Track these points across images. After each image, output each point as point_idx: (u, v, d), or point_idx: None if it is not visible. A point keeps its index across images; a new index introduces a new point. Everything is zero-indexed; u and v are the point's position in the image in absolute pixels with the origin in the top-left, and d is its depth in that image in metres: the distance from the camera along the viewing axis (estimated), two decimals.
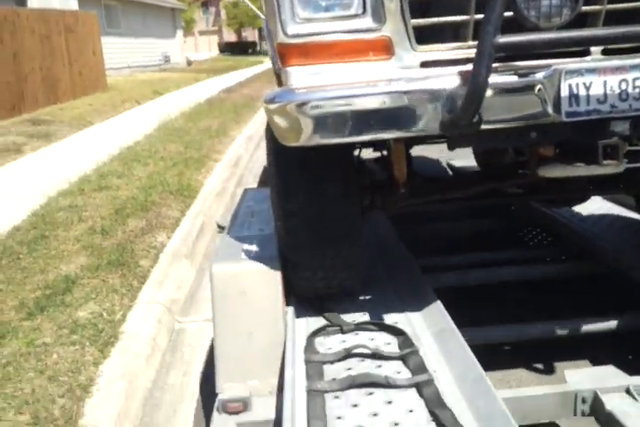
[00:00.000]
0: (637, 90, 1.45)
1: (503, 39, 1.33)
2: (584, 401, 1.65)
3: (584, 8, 1.41)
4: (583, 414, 1.67)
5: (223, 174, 5.54)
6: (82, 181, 5.05)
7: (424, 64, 1.56)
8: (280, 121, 1.52)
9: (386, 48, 1.55)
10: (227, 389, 1.78)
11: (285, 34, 1.53)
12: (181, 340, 2.83)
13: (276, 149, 1.81)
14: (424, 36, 1.54)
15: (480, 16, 1.41)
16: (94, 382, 2.24)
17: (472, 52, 1.41)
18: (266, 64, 24.54)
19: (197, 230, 3.99)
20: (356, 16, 1.51)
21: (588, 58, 1.49)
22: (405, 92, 1.47)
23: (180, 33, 24.52)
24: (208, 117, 8.74)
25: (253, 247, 2.04)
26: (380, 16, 1.51)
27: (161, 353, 2.64)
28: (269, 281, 1.87)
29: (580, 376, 1.70)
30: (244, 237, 2.16)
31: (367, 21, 1.52)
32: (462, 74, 1.48)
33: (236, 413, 1.69)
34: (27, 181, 5.34)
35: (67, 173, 5.24)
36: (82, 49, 11.49)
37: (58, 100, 10.15)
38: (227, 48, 43.26)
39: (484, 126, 1.47)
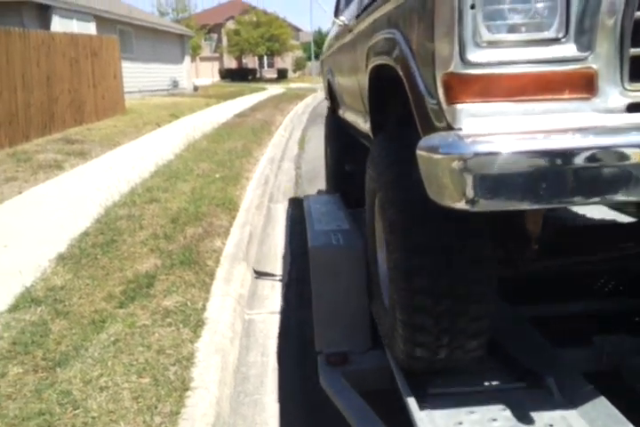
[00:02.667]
0: None
1: None
2: None
3: None
4: None
5: (257, 191, 5.98)
6: (131, 194, 5.48)
7: (632, 107, 1.24)
8: (444, 176, 1.20)
9: (589, 84, 1.22)
10: (325, 346, 2.20)
11: (464, 61, 1.21)
12: (253, 328, 3.23)
13: (409, 213, 1.53)
14: (637, 69, 1.21)
15: None
16: (194, 355, 2.63)
17: None
18: (268, 91, 25.31)
19: (247, 238, 4.41)
20: (555, 41, 1.20)
21: None
22: (628, 146, 1.16)
23: (187, 59, 25.27)
24: (230, 140, 9.23)
25: (339, 237, 2.47)
26: (587, 41, 1.19)
27: (239, 337, 3.04)
28: (356, 262, 2.30)
29: None
30: (327, 231, 2.59)
31: (569, 48, 1.20)
32: None
33: (339, 364, 2.10)
34: (78, 194, 5.75)
35: (113, 187, 5.67)
36: (105, 72, 12.04)
37: (83, 122, 10.63)
38: (227, 74, 44.15)
39: None
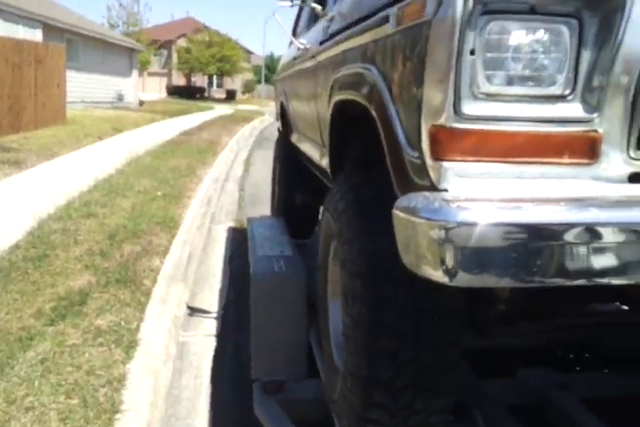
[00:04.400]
0: None
1: None
2: None
3: None
4: None
5: (200, 210, 5.95)
6: (68, 207, 5.33)
7: (634, 177, 1.13)
8: (423, 244, 1.05)
9: (592, 149, 1.10)
10: (262, 374, 2.22)
11: (457, 113, 1.07)
12: (187, 350, 3.19)
13: (377, 267, 1.38)
14: None
15: None
16: (126, 376, 2.58)
17: None
18: (216, 110, 25.24)
19: (187, 257, 4.37)
20: (560, 98, 1.09)
21: None
22: (629, 223, 1.04)
23: (135, 73, 24.92)
24: (175, 157, 9.15)
25: (282, 264, 2.51)
26: (595, 101, 1.08)
27: (172, 359, 3.00)
28: (297, 289, 2.34)
29: None
30: (270, 257, 2.63)
31: (575, 108, 1.09)
32: None
33: (274, 392, 2.12)
34: (10, 205, 5.54)
35: (49, 200, 5.50)
36: (48, 81, 11.73)
37: (21, 129, 10.29)
38: (175, 91, 43.72)
39: None
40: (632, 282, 1.06)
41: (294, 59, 3.28)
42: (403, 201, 1.15)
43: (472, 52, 1.04)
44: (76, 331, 2.95)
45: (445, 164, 1.09)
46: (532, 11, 1.03)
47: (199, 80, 48.97)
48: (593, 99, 1.08)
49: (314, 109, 2.45)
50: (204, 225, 5.60)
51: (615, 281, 1.05)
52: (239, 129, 16.76)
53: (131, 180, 6.97)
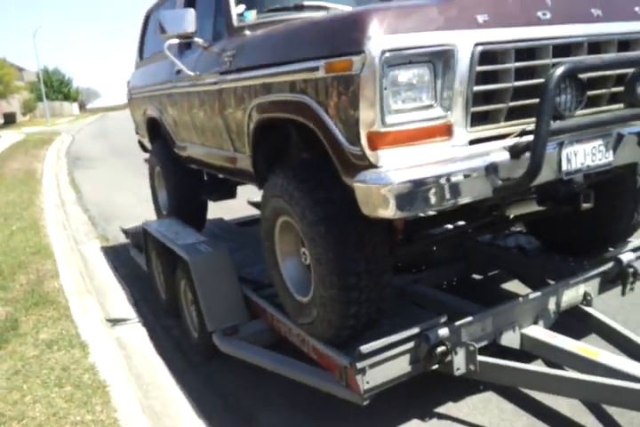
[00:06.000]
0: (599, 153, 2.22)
1: (554, 125, 2.01)
2: None
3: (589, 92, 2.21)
4: None
5: (60, 236, 6.24)
6: None
7: (471, 142, 2.05)
8: (376, 198, 1.87)
9: (449, 131, 2.00)
10: (217, 326, 3.01)
11: (383, 123, 1.89)
12: (123, 343, 3.78)
13: (333, 224, 2.18)
14: (473, 119, 2.03)
15: (515, 103, 2.09)
16: (95, 365, 3.16)
17: (504, 131, 2.10)
18: (3, 137, 23.33)
19: (79, 275, 4.81)
20: (429, 107, 1.95)
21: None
22: (471, 169, 1.96)
23: None
24: (0, 192, 8.95)
25: (205, 246, 3.28)
26: (447, 105, 1.97)
27: (118, 350, 3.59)
28: (224, 260, 3.19)
29: None
30: (192, 244, 3.36)
31: (438, 111, 1.97)
32: (511, 150, 2.05)
33: (233, 334, 2.94)
34: None
35: None
36: None
37: None
38: None
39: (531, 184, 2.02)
40: (472, 200, 2.01)
41: (171, 81, 3.84)
42: (359, 177, 1.95)
43: (385, 88, 1.88)
44: (27, 347, 3.42)
45: (379, 152, 1.94)
46: (410, 62, 1.91)
47: None
48: (445, 105, 1.97)
49: (221, 124, 3.12)
50: (74, 248, 5.94)
51: (464, 201, 1.98)
52: (44, 153, 16.11)
53: None
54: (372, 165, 1.95)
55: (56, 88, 64.08)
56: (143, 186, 8.93)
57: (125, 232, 5.31)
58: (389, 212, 1.88)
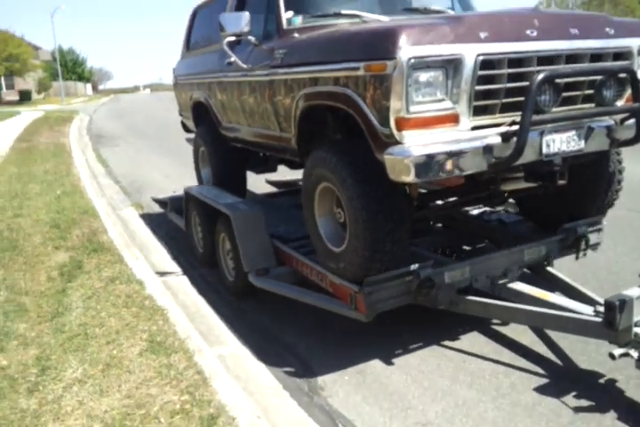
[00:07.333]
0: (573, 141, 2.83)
1: (535, 117, 2.62)
2: None
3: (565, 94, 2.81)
4: None
5: (100, 202, 7.00)
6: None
7: (473, 128, 2.64)
8: (402, 166, 2.48)
9: (456, 119, 2.59)
10: (251, 267, 3.77)
11: (408, 111, 2.48)
12: (169, 284, 4.55)
13: (367, 190, 2.81)
14: (475, 111, 2.63)
15: (507, 100, 2.68)
16: (152, 295, 3.93)
17: (498, 121, 2.67)
18: (24, 115, 24.08)
19: (123, 231, 5.59)
20: (442, 100, 2.54)
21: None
22: (472, 148, 2.56)
23: None
24: (36, 163, 9.73)
25: (244, 205, 4.04)
26: (455, 99, 2.55)
27: (169, 294, 4.36)
28: (259, 217, 3.93)
29: None
30: (232, 203, 4.12)
31: (448, 103, 2.56)
32: (502, 135, 2.62)
33: (264, 275, 3.71)
34: None
35: None
36: None
37: None
38: None
39: (516, 163, 2.65)
40: (471, 172, 2.64)
41: (222, 71, 4.50)
42: (388, 151, 2.55)
43: (409, 86, 2.48)
44: (93, 281, 4.19)
45: (404, 132, 2.54)
46: (428, 67, 2.51)
47: None
48: (454, 99, 2.57)
49: (269, 109, 3.75)
50: (113, 212, 6.70)
51: (466, 172, 2.61)
52: (67, 130, 16.87)
53: (18, 186, 7.68)
54: (398, 142, 2.56)
55: (70, 68, 64.64)
56: (168, 165, 9.80)
57: (158, 201, 6.07)
58: (410, 177, 2.50)
